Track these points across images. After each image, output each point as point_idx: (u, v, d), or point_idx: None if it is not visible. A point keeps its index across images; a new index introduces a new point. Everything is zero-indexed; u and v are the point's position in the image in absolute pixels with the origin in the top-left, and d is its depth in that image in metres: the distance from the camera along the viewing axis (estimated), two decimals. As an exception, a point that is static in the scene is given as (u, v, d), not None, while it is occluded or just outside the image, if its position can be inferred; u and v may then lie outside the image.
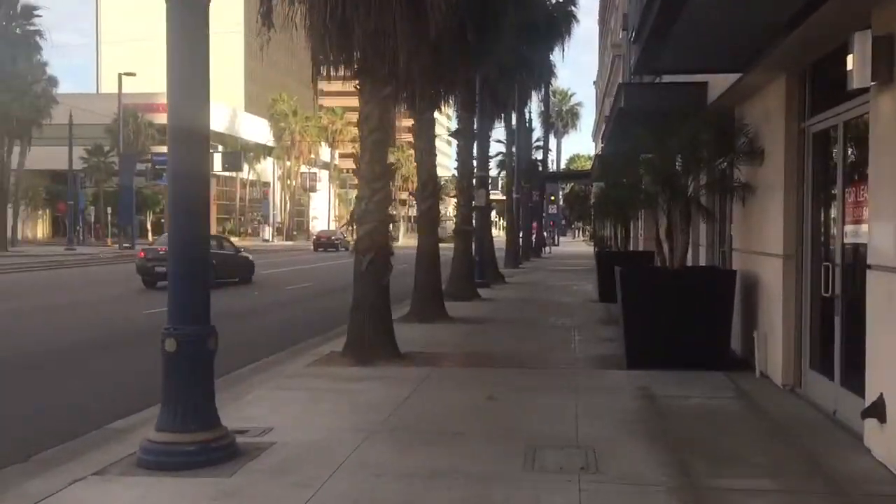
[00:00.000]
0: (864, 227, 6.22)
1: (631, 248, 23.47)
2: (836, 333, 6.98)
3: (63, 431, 6.78)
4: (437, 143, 16.39)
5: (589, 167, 57.52)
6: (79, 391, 9.21)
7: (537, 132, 52.01)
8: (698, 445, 6.23)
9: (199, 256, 5.74)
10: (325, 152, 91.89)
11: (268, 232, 78.02)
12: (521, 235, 37.86)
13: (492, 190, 32.65)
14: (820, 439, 6.41)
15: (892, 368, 5.51)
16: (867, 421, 5.86)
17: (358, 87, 10.16)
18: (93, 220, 64.68)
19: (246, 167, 73.99)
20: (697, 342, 9.16)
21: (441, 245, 15.56)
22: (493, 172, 39.95)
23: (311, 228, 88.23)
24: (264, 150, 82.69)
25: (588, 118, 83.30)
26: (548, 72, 33.07)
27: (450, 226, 20.32)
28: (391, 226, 10.77)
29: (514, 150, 35.60)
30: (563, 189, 71.79)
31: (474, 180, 20.47)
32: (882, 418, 5.62)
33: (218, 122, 74.02)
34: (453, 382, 8.90)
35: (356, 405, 7.69)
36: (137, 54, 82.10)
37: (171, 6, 5.58)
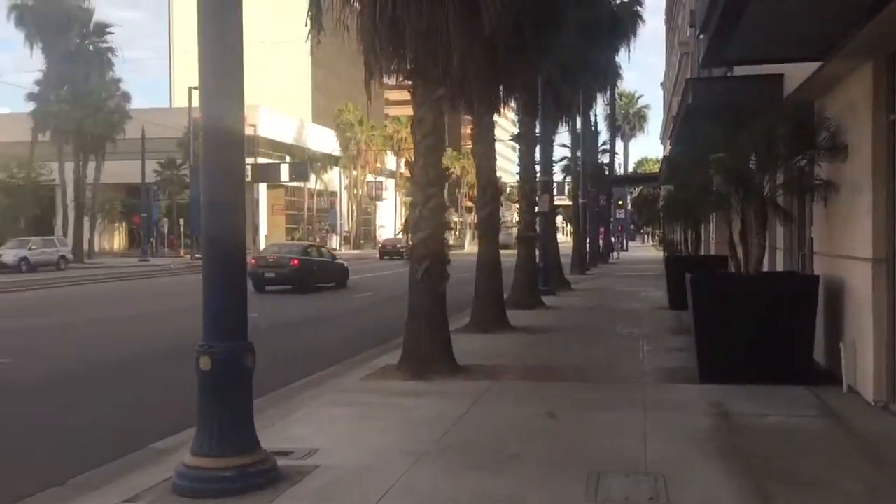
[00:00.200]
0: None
1: (702, 253, 22.64)
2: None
3: (107, 451, 6.59)
4: (501, 148, 15.98)
5: (657, 170, 56.28)
6: (131, 405, 9.08)
7: (603, 135, 51.23)
8: (779, 470, 5.63)
9: (234, 269, 5.40)
10: (390, 161, 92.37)
11: (335, 241, 78.70)
12: (587, 241, 37.13)
13: (557, 195, 32.09)
14: (920, 465, 5.73)
15: None
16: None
17: (410, 89, 9.81)
18: (166, 231, 66.29)
19: (313, 177, 74.80)
20: (776, 354, 8.48)
21: (505, 252, 15.10)
22: (557, 177, 39.37)
23: (377, 237, 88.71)
24: (331, 160, 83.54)
25: (656, 121, 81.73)
26: (613, 73, 32.36)
27: (515, 232, 19.91)
28: (455, 232, 10.39)
29: (579, 153, 34.93)
30: (632, 193, 70.53)
31: (537, 185, 19.94)
32: None
33: (286, 133, 75.30)
34: (512, 397, 8.43)
35: (408, 423, 7.30)
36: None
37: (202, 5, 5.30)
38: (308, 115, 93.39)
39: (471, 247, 58.59)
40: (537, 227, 19.89)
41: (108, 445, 6.99)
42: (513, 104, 17.76)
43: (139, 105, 53.25)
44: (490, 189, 14.53)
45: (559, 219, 48.75)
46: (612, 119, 53.17)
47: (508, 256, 17.54)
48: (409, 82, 9.88)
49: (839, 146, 8.36)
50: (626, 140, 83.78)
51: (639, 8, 29.77)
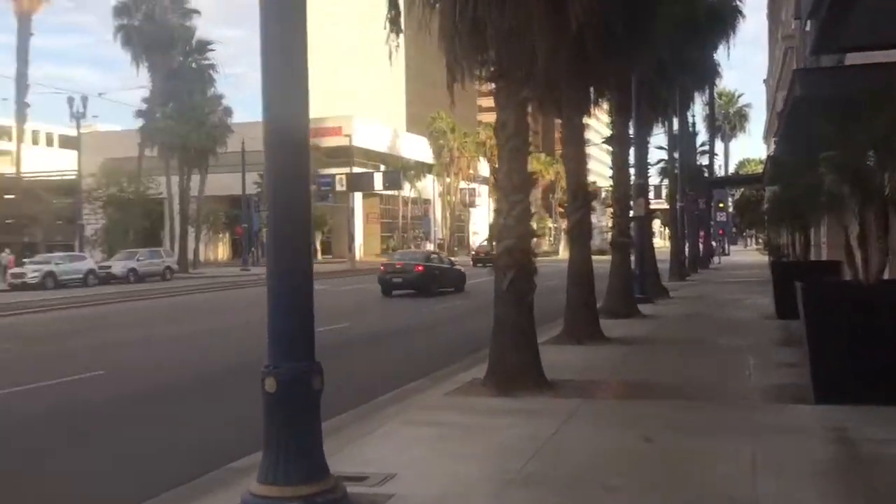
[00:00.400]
0: None
1: (812, 258, 21.27)
2: None
3: (186, 468, 6.49)
4: (595, 151, 15.36)
5: (760, 171, 53.96)
6: (218, 422, 8.97)
7: (702, 136, 49.48)
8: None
9: (301, 283, 5.06)
10: (483, 167, 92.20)
11: (429, 248, 78.98)
12: (686, 245, 35.80)
13: (654, 199, 31.02)
14: None
15: None
16: None
17: (493, 91, 9.37)
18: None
19: (407, 185, 75.34)
20: (904, 371, 7.60)
21: (599, 258, 14.45)
22: (654, 180, 38.15)
23: (471, 244, 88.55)
24: (424, 168, 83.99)
25: (758, 120, 78.50)
26: (712, 71, 31.08)
27: (609, 237, 19.24)
28: (549, 238, 9.89)
29: (676, 155, 33.70)
30: (733, 195, 67.97)
31: (632, 188, 19.15)
32: None
33: (380, 142, 76.24)
34: (604, 418, 7.85)
35: (491, 446, 6.84)
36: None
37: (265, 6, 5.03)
38: (402, 125, 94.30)
39: (565, 253, 57.46)
40: (632, 232, 19.09)
41: (187, 462, 6.85)
42: (605, 105, 17.10)
43: (240, 119, 54.80)
44: (580, 193, 13.93)
45: (656, 223, 47.36)
46: (711, 119, 51.21)
47: (603, 263, 16.85)
48: (493, 84, 9.46)
49: (975, 139, 7.44)
50: (726, 141, 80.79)
51: (738, 3, 28.47)
